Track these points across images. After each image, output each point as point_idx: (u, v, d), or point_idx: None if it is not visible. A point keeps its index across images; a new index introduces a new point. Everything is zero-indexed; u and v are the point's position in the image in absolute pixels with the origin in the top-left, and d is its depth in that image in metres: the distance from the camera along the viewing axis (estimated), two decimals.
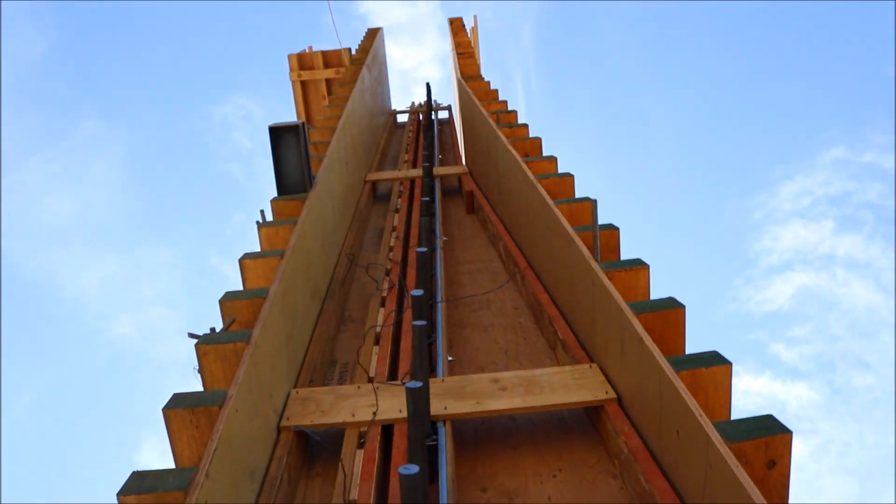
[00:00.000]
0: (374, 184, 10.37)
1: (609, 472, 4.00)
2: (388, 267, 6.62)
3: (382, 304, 5.83)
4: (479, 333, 5.73)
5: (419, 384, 3.19)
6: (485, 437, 4.39)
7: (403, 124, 17.45)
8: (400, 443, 3.90)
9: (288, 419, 4.14)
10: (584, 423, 4.46)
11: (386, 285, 6.16)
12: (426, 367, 3.75)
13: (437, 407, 4.07)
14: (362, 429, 4.08)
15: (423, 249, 5.04)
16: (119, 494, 3.00)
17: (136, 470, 3.15)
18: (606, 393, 4.20)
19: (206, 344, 3.97)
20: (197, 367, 4.13)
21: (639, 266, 4.58)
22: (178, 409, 3.45)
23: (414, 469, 2.56)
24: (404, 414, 4.04)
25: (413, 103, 19.20)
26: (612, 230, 5.11)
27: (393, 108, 18.41)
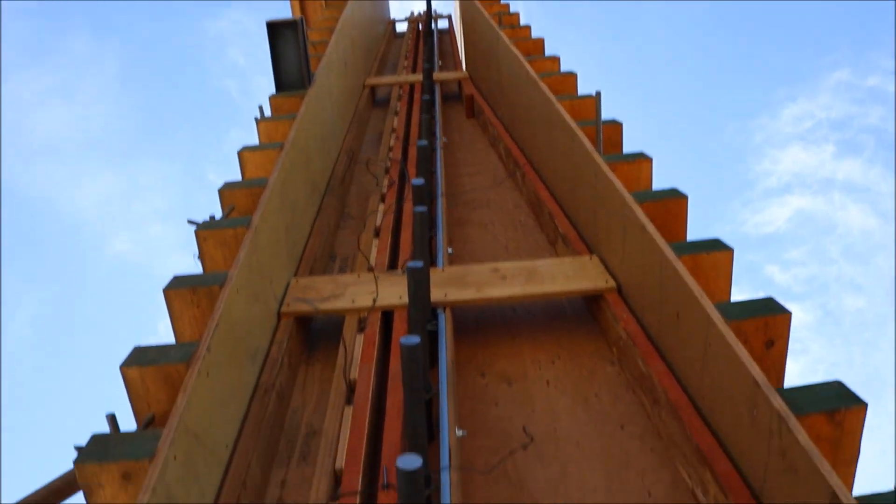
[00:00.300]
0: (373, 89, 10.20)
1: (607, 359, 4.04)
2: (388, 165, 6.56)
3: (382, 200, 5.80)
4: (479, 231, 5.72)
5: (419, 264, 3.18)
6: (484, 325, 4.42)
7: (402, 34, 17.10)
8: (400, 328, 3.93)
9: (288, 305, 4.15)
10: (583, 313, 4.48)
11: (386, 182, 6.12)
12: (426, 252, 3.75)
13: (437, 294, 4.08)
14: (362, 315, 4.09)
15: (424, 143, 4.99)
16: (122, 366, 3.03)
17: (137, 345, 3.17)
18: (606, 282, 4.21)
19: (205, 229, 3.95)
20: (197, 254, 4.13)
21: (641, 158, 4.54)
22: (180, 289, 3.46)
23: (415, 340, 2.57)
24: (404, 300, 4.06)
25: (412, 12, 18.80)
26: (616, 125, 5.05)
27: (391, 17, 18.01)
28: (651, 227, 3.66)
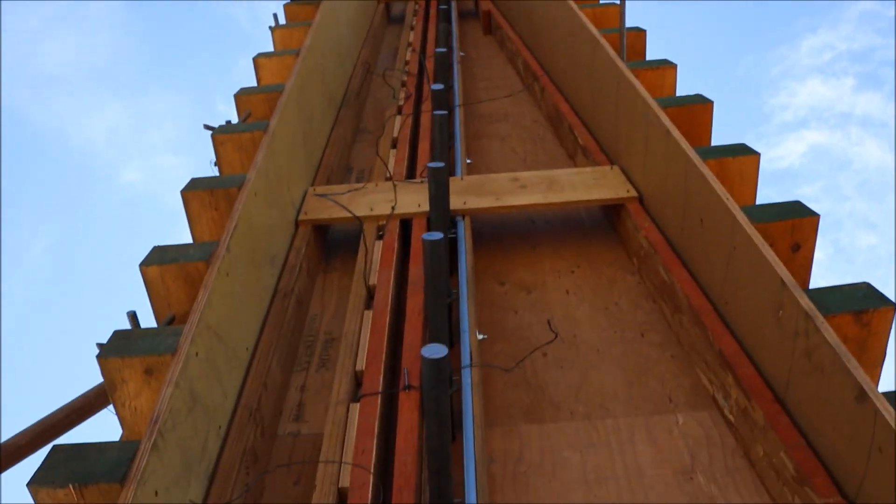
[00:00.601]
0: (388, 5, 9.97)
1: (627, 269, 4.00)
2: (404, 78, 6.43)
3: (399, 112, 5.70)
4: (497, 143, 5.63)
5: (441, 164, 3.12)
6: (502, 236, 4.38)
7: None
8: (418, 235, 3.88)
9: (306, 213, 4.12)
10: (603, 225, 4.43)
11: (402, 94, 6.00)
12: (447, 156, 3.68)
13: (456, 202, 4.03)
14: (381, 222, 4.05)
15: (443, 49, 4.86)
16: (142, 265, 3.01)
17: (156, 245, 3.15)
18: (628, 192, 4.14)
19: (223, 133, 3.89)
20: (214, 161, 4.08)
21: (666, 65, 4.42)
22: (197, 190, 3.42)
23: (438, 235, 2.53)
24: (423, 209, 4.01)
25: None
26: (639, 32, 4.91)
27: None
28: (676, 132, 3.57)
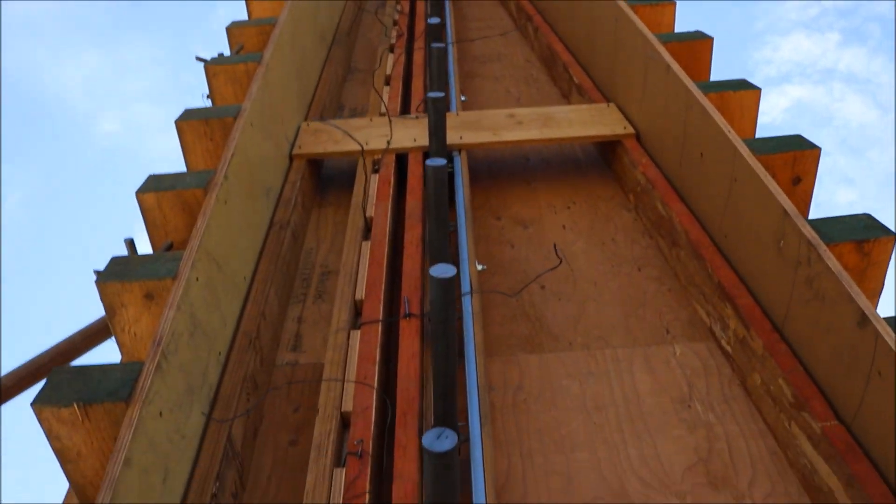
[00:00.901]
0: None
1: (623, 205, 4.00)
2: (396, 17, 6.34)
3: (391, 51, 5.63)
4: (490, 83, 5.58)
5: (441, 94, 3.08)
6: (498, 173, 4.36)
7: None
8: (415, 169, 3.86)
9: (300, 147, 4.07)
10: (599, 162, 4.42)
11: (394, 33, 5.92)
12: (445, 88, 3.64)
13: (452, 137, 3.99)
14: (376, 157, 4.02)
15: None
16: (138, 193, 2.97)
17: (152, 174, 3.11)
18: (625, 128, 4.12)
19: (216, 65, 3.82)
20: (206, 94, 4.01)
21: (665, 2, 4.37)
22: (192, 120, 3.37)
23: (442, 161, 2.51)
24: (418, 143, 3.98)
25: None
26: None
27: None
28: (677, 67, 3.54)
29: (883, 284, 2.74)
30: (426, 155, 3.96)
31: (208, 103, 4.01)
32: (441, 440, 1.51)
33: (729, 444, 2.64)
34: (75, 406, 2.13)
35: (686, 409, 2.78)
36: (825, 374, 2.49)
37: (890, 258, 2.70)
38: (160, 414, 2.20)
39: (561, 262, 3.38)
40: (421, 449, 2.32)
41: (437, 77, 3.62)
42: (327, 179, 4.36)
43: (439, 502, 1.57)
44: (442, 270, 2.00)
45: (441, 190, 2.53)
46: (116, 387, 2.16)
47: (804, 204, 3.14)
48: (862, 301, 2.29)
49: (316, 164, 4.23)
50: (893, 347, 2.13)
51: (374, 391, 2.56)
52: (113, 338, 2.74)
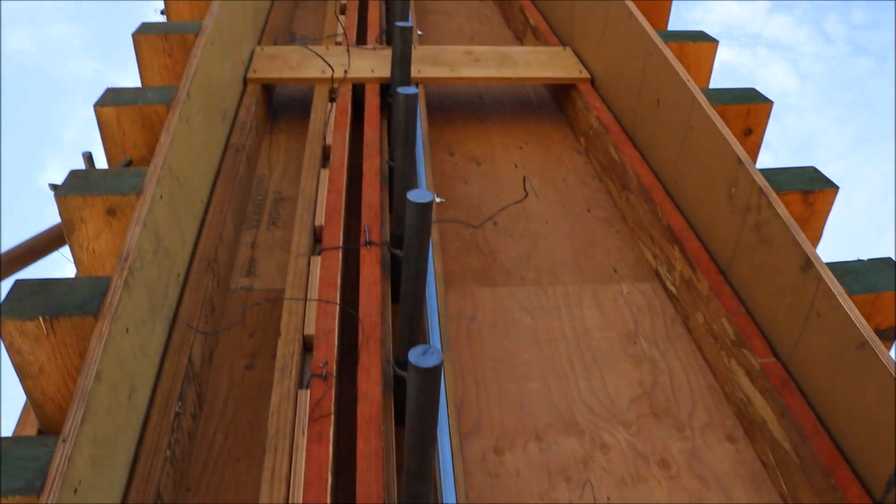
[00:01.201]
0: None
1: (574, 148, 4.08)
2: None
3: None
4: (443, 19, 5.55)
5: (409, 24, 3.08)
6: (452, 109, 4.38)
7: None
8: (372, 100, 3.85)
9: (255, 72, 4.01)
10: (551, 104, 4.48)
11: None
12: (408, 17, 3.62)
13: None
14: (334, 85, 3.99)
15: None
16: (96, 105, 2.90)
17: (110, 87, 3.03)
18: (581, 72, 4.18)
19: None
20: (162, 9, 3.90)
21: None
22: (150, 34, 3.28)
23: (413, 90, 2.53)
24: (376, 74, 3.96)
25: None
26: None
27: None
28: (639, 14, 3.61)
29: (822, 234, 2.89)
30: (384, 87, 3.95)
31: (163, 20, 3.89)
32: (427, 356, 1.57)
33: (671, 378, 2.79)
34: (41, 319, 2.10)
35: (632, 345, 2.91)
36: (766, 314, 2.64)
37: (830, 209, 2.85)
38: (126, 330, 2.20)
39: (527, 195, 3.45)
40: (383, 371, 2.39)
41: (401, 7, 3.60)
42: (278, 105, 4.31)
43: (423, 416, 1.64)
44: (419, 196, 2.05)
45: (412, 118, 2.55)
46: (84, 300, 2.14)
47: (753, 155, 3.27)
48: (807, 247, 2.43)
49: (268, 90, 4.17)
50: (833, 290, 2.28)
51: (336, 315, 2.60)
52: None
